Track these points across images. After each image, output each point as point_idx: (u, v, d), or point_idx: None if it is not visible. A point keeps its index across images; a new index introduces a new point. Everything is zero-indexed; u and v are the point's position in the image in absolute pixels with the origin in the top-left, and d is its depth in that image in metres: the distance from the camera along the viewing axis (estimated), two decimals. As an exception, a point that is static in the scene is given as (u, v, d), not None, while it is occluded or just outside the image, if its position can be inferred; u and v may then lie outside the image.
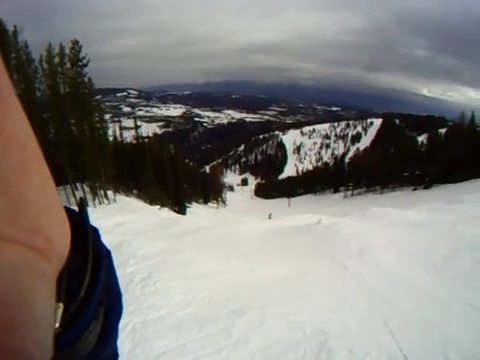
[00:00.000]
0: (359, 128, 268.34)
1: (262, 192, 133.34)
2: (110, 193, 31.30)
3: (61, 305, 0.36)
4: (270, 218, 32.80)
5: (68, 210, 0.42)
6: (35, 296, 0.28)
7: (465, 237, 9.48)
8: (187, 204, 50.26)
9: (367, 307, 5.90)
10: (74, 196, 26.25)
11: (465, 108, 58.49)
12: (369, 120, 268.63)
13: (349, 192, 66.74)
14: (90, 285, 0.44)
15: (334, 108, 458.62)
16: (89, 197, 27.77)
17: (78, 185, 28.74)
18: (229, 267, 7.80)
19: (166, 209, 36.43)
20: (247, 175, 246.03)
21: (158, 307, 5.54)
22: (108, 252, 0.52)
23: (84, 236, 0.46)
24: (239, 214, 44.10)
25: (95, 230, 0.52)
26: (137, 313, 5.32)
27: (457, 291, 6.66)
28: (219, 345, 4.54)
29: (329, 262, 8.58)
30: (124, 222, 17.34)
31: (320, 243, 10.67)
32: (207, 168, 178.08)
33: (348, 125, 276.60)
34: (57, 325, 0.33)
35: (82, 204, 0.50)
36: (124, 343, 4.54)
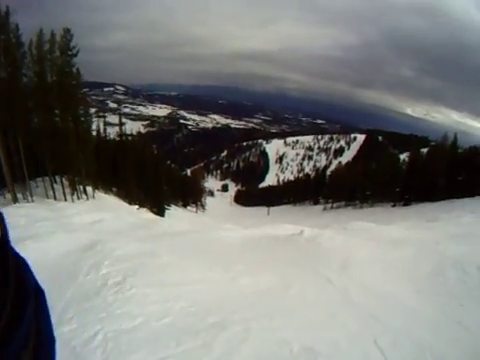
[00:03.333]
0: (342, 142, 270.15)
1: (242, 199, 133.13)
2: (89, 189, 30.67)
3: None
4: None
5: None
6: None
7: (447, 255, 9.45)
8: (166, 206, 49.73)
9: (355, 324, 5.66)
10: (52, 189, 25.64)
11: (448, 129, 59.70)
12: (353, 135, 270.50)
13: (329, 205, 66.83)
14: (10, 325, 0.41)
15: (319, 121, 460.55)
16: (68, 191, 27.04)
17: (57, 178, 28.01)
18: (209, 276, 7.49)
19: (144, 209, 35.96)
20: (228, 181, 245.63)
21: (133, 315, 5.19)
22: (40, 291, 0.56)
23: (3, 271, 0.45)
24: (218, 220, 43.83)
25: (23, 264, 0.52)
26: (109, 320, 4.97)
27: (444, 309, 6.60)
28: (199, 362, 4.18)
29: (313, 275, 8.34)
30: (101, 220, 16.95)
31: (302, 255, 10.43)
32: (188, 171, 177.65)
33: (332, 139, 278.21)
34: None
35: (3, 227, 0.50)
36: (94, 354, 4.21)
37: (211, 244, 12.16)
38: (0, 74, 20.78)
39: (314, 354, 4.50)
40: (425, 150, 58.13)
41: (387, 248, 10.82)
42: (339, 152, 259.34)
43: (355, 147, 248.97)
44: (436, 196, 42.85)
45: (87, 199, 29.44)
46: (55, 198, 25.19)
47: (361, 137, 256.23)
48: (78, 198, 28.46)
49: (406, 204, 48.46)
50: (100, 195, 32.74)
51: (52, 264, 7.50)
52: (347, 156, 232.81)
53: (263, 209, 78.75)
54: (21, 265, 0.53)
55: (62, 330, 4.69)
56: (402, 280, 8.12)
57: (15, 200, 21.05)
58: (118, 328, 4.80)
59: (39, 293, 0.58)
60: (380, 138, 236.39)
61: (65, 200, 25.81)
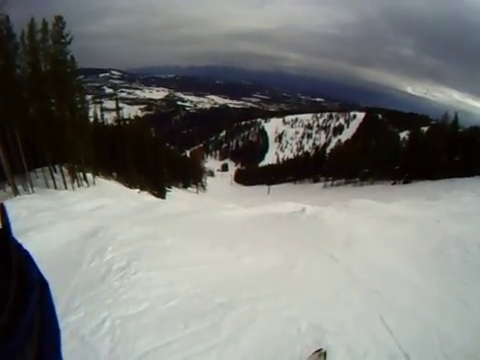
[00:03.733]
0: (342, 120, 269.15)
1: (242, 178, 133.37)
2: (89, 175, 30.74)
3: None
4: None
5: None
6: None
7: (449, 233, 9.44)
8: (167, 188, 49.85)
9: (361, 302, 5.65)
10: (52, 178, 25.71)
11: (449, 109, 59.60)
12: (352, 113, 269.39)
13: (329, 182, 66.96)
14: (13, 317, 0.42)
15: (318, 99, 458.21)
16: (68, 179, 27.04)
17: (57, 167, 27.98)
18: (213, 256, 7.47)
19: (145, 193, 36.09)
20: (228, 161, 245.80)
21: (139, 300, 5.18)
22: (44, 283, 0.57)
23: (6, 263, 0.46)
24: (219, 200, 43.89)
25: (25, 256, 0.53)
26: (116, 307, 4.96)
27: (447, 287, 6.56)
28: (208, 343, 4.21)
29: (317, 253, 8.31)
30: (103, 206, 16.91)
31: (305, 232, 10.38)
32: (188, 152, 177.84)
33: (331, 116, 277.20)
34: None
35: (5, 219, 0.51)
36: (103, 342, 4.20)
37: (213, 224, 12.12)
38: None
39: (321, 332, 4.52)
40: (425, 129, 57.86)
41: (389, 225, 10.83)
42: (338, 130, 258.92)
43: (355, 125, 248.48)
44: (436, 175, 43.00)
45: (88, 186, 29.57)
46: (55, 187, 25.28)
47: (361, 115, 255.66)
48: (79, 185, 28.59)
49: (406, 182, 48.65)
50: (100, 181, 32.78)
51: (55, 254, 7.48)
52: (347, 134, 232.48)
53: (263, 188, 78.88)
54: (24, 257, 0.53)
55: (69, 320, 4.69)
56: (405, 257, 8.12)
57: (16, 192, 21.05)
58: (125, 314, 4.79)
59: (43, 285, 0.57)
60: (380, 116, 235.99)
61: (66, 188, 25.92)
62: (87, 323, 4.61)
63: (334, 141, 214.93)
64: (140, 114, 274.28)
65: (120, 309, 4.91)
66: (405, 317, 5.17)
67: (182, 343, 4.19)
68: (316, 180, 77.63)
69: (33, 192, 22.46)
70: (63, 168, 27.64)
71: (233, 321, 4.72)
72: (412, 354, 4.20)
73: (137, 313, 4.86)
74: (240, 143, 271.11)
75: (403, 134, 71.08)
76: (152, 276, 5.99)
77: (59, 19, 25.35)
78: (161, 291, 5.52)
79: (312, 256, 7.96)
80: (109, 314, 4.77)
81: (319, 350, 4.00)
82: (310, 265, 7.27)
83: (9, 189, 21.43)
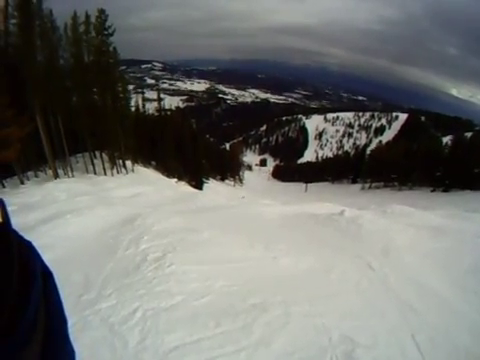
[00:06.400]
0: (383, 121, 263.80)
1: (280, 174, 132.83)
2: (128, 163, 31.22)
3: None
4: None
5: None
6: None
7: (488, 250, 9.05)
8: (204, 180, 50.15)
9: (394, 316, 5.53)
10: (92, 164, 26.21)
11: (494, 114, 56.98)
12: (394, 114, 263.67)
13: (367, 184, 65.75)
14: (17, 307, 0.43)
15: (360, 97, 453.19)
16: (107, 166, 27.57)
17: (97, 154, 28.60)
18: (249, 254, 7.48)
19: (183, 183, 36.38)
20: (266, 156, 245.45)
21: (172, 293, 5.24)
22: (49, 273, 0.57)
23: (7, 255, 0.46)
24: (256, 194, 43.92)
25: (27, 246, 0.54)
26: (148, 298, 5.04)
27: (480, 308, 6.34)
28: (238, 345, 4.21)
29: (353, 259, 8.18)
30: (140, 193, 17.21)
31: (343, 236, 10.26)
32: (227, 145, 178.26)
33: (373, 116, 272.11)
34: None
35: (4, 213, 0.52)
36: (132, 332, 4.27)
37: (250, 220, 12.10)
38: (38, 58, 21.18)
39: (353, 344, 4.44)
40: (469, 134, 55.92)
41: (427, 236, 10.52)
42: (380, 131, 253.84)
43: (396, 126, 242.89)
44: (478, 184, 41.46)
45: (126, 173, 29.99)
46: (95, 173, 25.79)
47: (403, 116, 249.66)
48: (118, 172, 29.04)
49: (446, 190, 47.17)
50: (139, 169, 33.27)
51: (92, 238, 7.65)
52: (388, 135, 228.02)
53: (301, 185, 78.45)
54: (26, 248, 0.53)
55: (101, 306, 4.80)
56: (441, 272, 7.85)
57: (56, 176, 21.60)
58: (157, 306, 4.86)
59: (47, 275, 0.57)
60: (423, 118, 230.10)
61: (105, 174, 26.42)
62: (118, 312, 4.71)
63: (375, 142, 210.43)
64: (181, 105, 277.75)
65: (152, 301, 4.98)
66: (436, 336, 5.02)
67: (212, 342, 4.20)
68: (354, 181, 76.51)
69: (73, 176, 23.00)
70: (103, 154, 28.15)
71: (265, 324, 4.70)
72: None
73: (169, 306, 4.91)
74: (280, 139, 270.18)
75: (446, 139, 68.97)
76: (187, 270, 6.04)
77: (102, 12, 25.81)
78: (195, 286, 5.56)
79: (348, 262, 7.85)
80: (141, 304, 4.86)
81: None
82: (346, 272, 7.18)
83: (50, 172, 22.01)
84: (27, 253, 0.52)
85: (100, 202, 13.18)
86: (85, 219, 9.53)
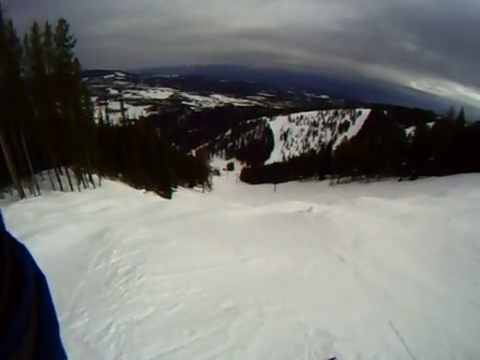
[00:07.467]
0: (347, 117, 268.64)
1: (248, 177, 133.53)
2: (95, 177, 30.70)
3: None
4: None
5: None
6: None
7: (458, 232, 9.30)
8: (173, 188, 49.86)
9: (370, 305, 5.55)
10: (58, 180, 25.72)
11: (454, 103, 58.50)
12: (357, 110, 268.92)
13: (335, 180, 66.61)
14: (8, 309, 0.43)
15: (323, 96, 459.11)
16: (74, 181, 27.06)
17: (63, 169, 28.01)
18: (219, 258, 7.42)
19: (151, 193, 36.13)
20: (233, 160, 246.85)
21: (144, 305, 5.16)
22: (41, 276, 0.57)
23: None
24: (225, 199, 43.91)
25: (20, 249, 0.54)
26: (121, 312, 4.95)
27: (457, 288, 6.43)
28: (214, 351, 4.16)
29: (325, 254, 8.22)
30: (108, 207, 16.96)
31: (312, 232, 10.28)
32: (193, 152, 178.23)
33: (336, 113, 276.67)
34: None
35: None
36: (108, 348, 4.18)
37: (219, 224, 12.06)
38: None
39: (330, 338, 4.43)
40: (431, 124, 57.50)
41: (397, 224, 10.71)
42: (344, 127, 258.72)
43: (360, 122, 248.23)
44: (443, 170, 42.63)
45: (94, 187, 29.50)
46: (62, 189, 25.32)
47: (366, 111, 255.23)
48: (85, 187, 28.56)
49: (413, 178, 48.28)
50: (106, 182, 32.79)
51: (61, 257, 7.49)
52: (352, 131, 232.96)
53: (270, 186, 78.90)
54: (18, 250, 0.52)
55: (75, 325, 4.68)
56: (414, 258, 7.98)
57: (22, 195, 21.11)
58: (130, 319, 4.77)
59: (40, 278, 0.56)
60: (385, 112, 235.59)
61: (72, 190, 25.93)
62: (92, 329, 4.59)
63: (340, 138, 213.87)
64: (145, 114, 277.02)
65: (125, 315, 4.89)
66: (414, 320, 5.07)
67: (188, 350, 4.15)
68: (322, 178, 77.34)
69: (39, 194, 22.51)
70: (69, 170, 27.52)
71: (239, 327, 4.67)
72: (421, 359, 4.11)
73: (142, 319, 4.83)
74: (245, 142, 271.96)
75: (409, 130, 70.50)
76: (157, 280, 5.96)
77: (62, 22, 25.24)
78: (166, 295, 5.48)
79: (320, 257, 7.88)
80: (114, 320, 4.75)
81: (332, 359, 3.89)
82: (318, 267, 7.19)
83: (15, 192, 21.49)
84: (19, 255, 0.51)
85: (68, 219, 12.92)
86: (54, 237, 9.32)
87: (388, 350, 4.28)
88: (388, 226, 10.45)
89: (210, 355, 4.04)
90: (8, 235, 0.51)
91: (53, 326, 0.56)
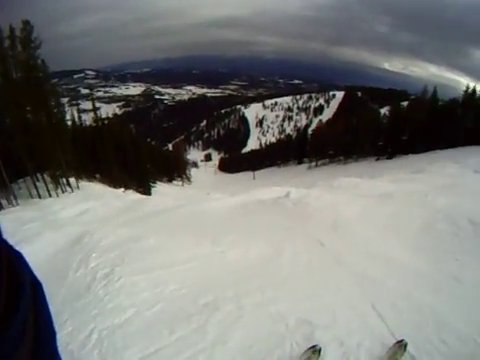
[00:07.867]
0: (321, 100, 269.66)
1: (226, 167, 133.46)
2: (72, 180, 30.21)
3: None
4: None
5: None
6: None
7: (437, 207, 9.37)
8: (152, 184, 49.59)
9: (351, 289, 5.51)
10: (36, 187, 25.16)
11: (426, 83, 59.22)
12: (331, 93, 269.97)
13: (313, 163, 67.04)
14: (5, 319, 0.43)
15: (296, 81, 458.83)
16: (51, 187, 26.58)
17: (39, 176, 27.47)
18: (197, 252, 7.37)
19: (131, 191, 35.80)
20: (210, 150, 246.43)
21: (124, 307, 5.12)
22: (38, 284, 0.58)
23: None
24: (205, 190, 43.82)
25: (17, 257, 0.55)
26: (102, 317, 4.91)
27: (439, 265, 6.49)
28: (195, 348, 4.14)
29: (303, 239, 8.20)
30: (87, 210, 16.82)
31: (291, 218, 10.26)
32: (170, 146, 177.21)
33: (310, 98, 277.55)
34: None
35: None
36: (91, 355, 4.17)
37: (198, 217, 12.00)
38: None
39: (311, 326, 4.41)
40: (405, 104, 58.28)
41: (376, 203, 10.83)
42: (319, 110, 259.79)
43: (334, 104, 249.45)
44: (419, 148, 43.37)
45: (72, 191, 28.98)
46: (40, 196, 24.82)
47: (340, 94, 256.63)
48: (62, 192, 28.01)
49: (390, 157, 49.02)
50: (84, 184, 32.28)
51: (42, 266, 7.34)
52: (327, 114, 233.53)
53: (249, 174, 79.15)
54: (15, 258, 0.52)
55: (59, 335, 4.54)
56: (394, 236, 8.05)
57: (0, 207, 20.64)
58: (111, 324, 4.73)
59: (37, 286, 0.57)
60: (359, 94, 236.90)
61: (50, 196, 25.49)
62: (75, 337, 4.55)
63: (315, 121, 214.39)
64: (118, 112, 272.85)
65: (106, 319, 4.85)
66: (398, 301, 5.02)
67: (169, 350, 4.12)
68: (300, 162, 77.80)
69: (17, 204, 22.11)
70: (45, 176, 27.03)
71: (218, 322, 4.65)
72: (407, 341, 4.03)
73: (123, 321, 4.79)
74: (221, 131, 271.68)
75: (383, 110, 71.26)
76: (136, 280, 5.91)
77: (26, 23, 24.53)
78: (146, 295, 5.45)
79: (299, 243, 7.85)
80: (96, 326, 4.72)
81: (314, 346, 3.88)
82: (296, 253, 7.17)
83: (-7, 205, 21.08)
84: (16, 263, 0.51)
85: (48, 226, 12.74)
86: (35, 247, 9.16)
87: (372, 334, 4.25)
88: (367, 206, 10.52)
89: (191, 353, 4.01)
90: (5, 242, 0.51)
91: (50, 334, 0.58)
